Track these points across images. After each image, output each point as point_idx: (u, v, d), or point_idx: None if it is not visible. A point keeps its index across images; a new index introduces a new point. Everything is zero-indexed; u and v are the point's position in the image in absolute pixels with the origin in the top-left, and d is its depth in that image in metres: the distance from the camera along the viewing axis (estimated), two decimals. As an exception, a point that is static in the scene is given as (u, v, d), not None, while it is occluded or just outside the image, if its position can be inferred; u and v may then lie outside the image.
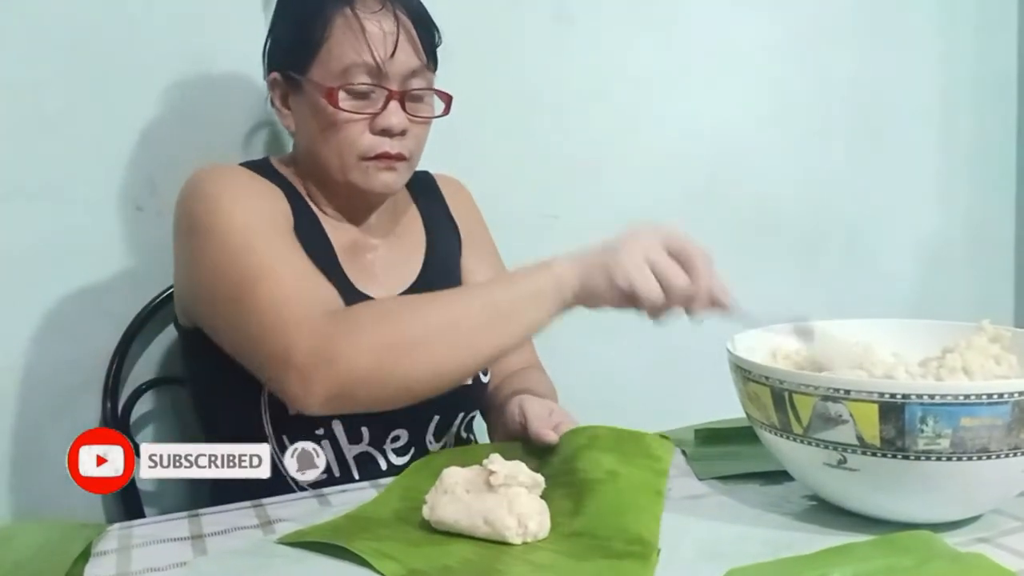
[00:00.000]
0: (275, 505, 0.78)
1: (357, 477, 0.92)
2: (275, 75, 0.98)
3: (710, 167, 1.58)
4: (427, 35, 0.96)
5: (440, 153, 1.13)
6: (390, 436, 0.95)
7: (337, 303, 0.84)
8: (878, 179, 1.74)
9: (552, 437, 0.82)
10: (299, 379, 0.77)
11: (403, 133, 0.95)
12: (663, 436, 0.76)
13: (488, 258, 1.14)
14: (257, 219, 0.89)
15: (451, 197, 1.14)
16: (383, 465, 0.94)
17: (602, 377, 1.45)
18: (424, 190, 1.12)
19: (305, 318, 0.79)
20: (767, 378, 0.68)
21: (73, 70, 1.15)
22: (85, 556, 0.68)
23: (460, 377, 0.82)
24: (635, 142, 1.53)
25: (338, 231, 1.01)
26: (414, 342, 0.78)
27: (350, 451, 0.93)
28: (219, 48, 1.20)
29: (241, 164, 1.03)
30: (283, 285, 0.82)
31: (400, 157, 0.95)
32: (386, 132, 0.94)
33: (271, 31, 1.00)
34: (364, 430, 0.92)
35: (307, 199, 1.01)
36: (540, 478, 0.71)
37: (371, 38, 0.91)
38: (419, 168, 1.13)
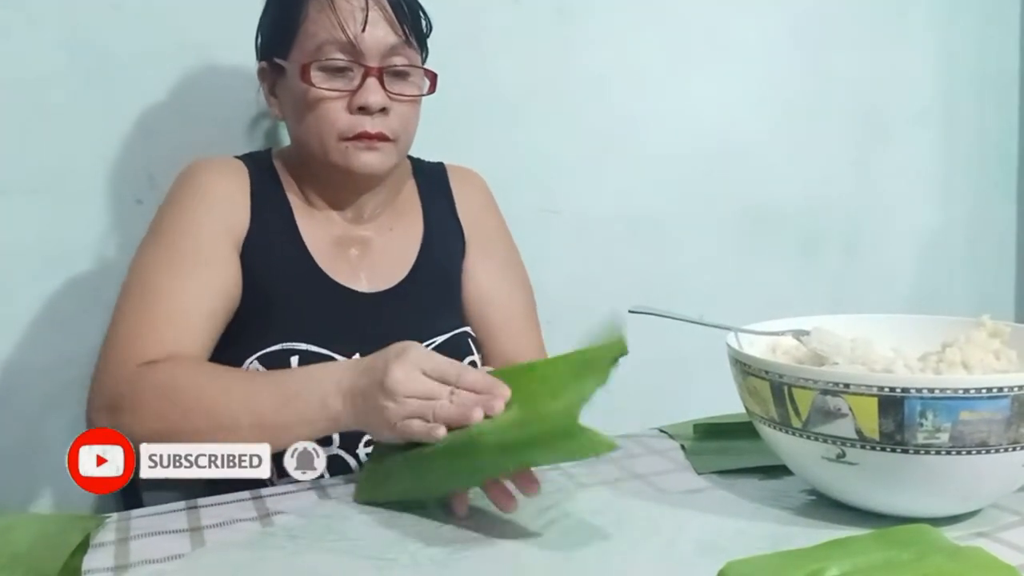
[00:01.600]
0: (274, 498, 0.78)
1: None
2: (263, 64, 1.00)
3: (711, 163, 1.58)
4: (406, 13, 0.95)
5: (440, 150, 1.13)
6: (363, 440, 0.94)
7: (179, 348, 0.86)
8: (879, 176, 1.74)
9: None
10: (91, 405, 0.87)
11: (384, 111, 0.94)
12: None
13: (496, 261, 1.11)
14: (188, 239, 0.93)
15: (460, 193, 1.11)
16: (355, 468, 0.93)
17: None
18: (432, 183, 1.10)
19: (122, 363, 0.85)
20: (766, 372, 0.68)
21: (72, 64, 1.15)
22: (83, 548, 0.68)
23: None
24: (636, 138, 1.53)
25: (321, 225, 1.00)
26: (179, 434, 0.79)
27: (321, 453, 0.91)
28: (218, 41, 1.20)
29: (241, 156, 1.03)
30: (142, 317, 0.88)
31: (381, 137, 0.94)
32: (364, 110, 0.93)
33: (259, 22, 1.01)
34: (334, 434, 0.90)
35: (291, 194, 1.01)
36: None
37: (342, 13, 0.92)
38: (433, 160, 1.12)
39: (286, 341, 0.93)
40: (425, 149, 1.09)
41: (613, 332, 0.70)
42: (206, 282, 0.92)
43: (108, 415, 0.84)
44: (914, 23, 1.74)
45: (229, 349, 0.94)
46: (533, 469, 0.71)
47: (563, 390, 0.69)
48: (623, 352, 0.68)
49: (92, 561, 0.66)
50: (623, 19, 1.49)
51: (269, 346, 0.93)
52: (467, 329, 1.05)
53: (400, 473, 0.75)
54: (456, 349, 1.01)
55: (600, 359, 0.68)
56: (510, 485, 0.72)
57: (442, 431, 0.70)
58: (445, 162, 1.14)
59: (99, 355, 0.90)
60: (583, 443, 0.63)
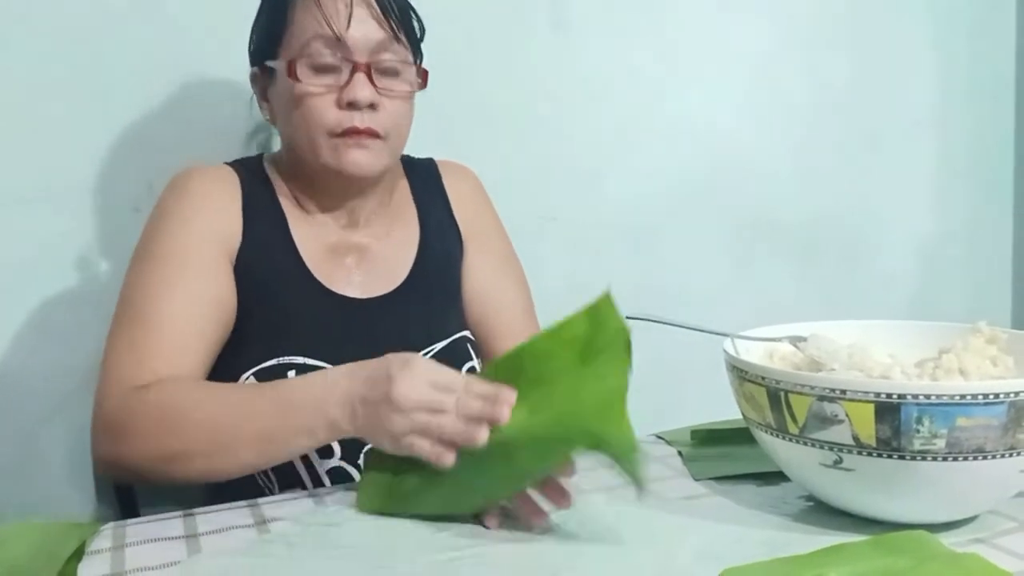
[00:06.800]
0: (270, 505, 0.78)
1: None
2: (255, 70, 1.00)
3: (707, 170, 1.58)
4: (393, 10, 0.94)
5: (437, 157, 1.13)
6: (363, 450, 0.93)
7: (174, 372, 0.86)
8: (875, 182, 1.74)
9: None
10: (94, 432, 0.87)
11: (373, 107, 0.93)
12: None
13: (494, 258, 1.11)
14: (179, 255, 0.92)
15: (454, 190, 1.10)
16: (358, 480, 0.92)
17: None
18: (424, 182, 1.09)
19: (119, 389, 0.85)
20: (763, 378, 0.68)
21: (70, 73, 1.15)
22: (79, 555, 0.67)
23: (230, 478, 0.82)
24: (633, 145, 1.53)
25: (316, 232, 1.00)
26: (181, 455, 0.80)
27: (322, 466, 0.91)
28: (215, 51, 1.20)
29: (232, 162, 1.03)
30: (136, 341, 0.88)
31: (371, 133, 0.93)
32: (353, 105, 0.92)
33: (251, 29, 1.01)
34: (335, 445, 0.90)
35: (284, 200, 1.00)
36: None
37: (327, 10, 0.92)
38: (423, 157, 1.12)
39: (283, 355, 0.92)
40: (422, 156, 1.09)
41: (604, 305, 0.69)
42: (199, 300, 0.91)
43: (108, 441, 0.85)
44: (910, 27, 1.74)
45: (225, 364, 0.93)
46: (564, 483, 0.71)
47: (576, 378, 0.70)
48: (622, 330, 0.68)
49: (88, 568, 0.66)
50: (620, 29, 1.49)
51: (265, 361, 0.92)
52: (466, 334, 1.04)
53: (423, 493, 0.73)
54: (455, 355, 1.00)
55: (602, 338, 0.69)
56: (541, 501, 0.71)
57: (450, 459, 0.70)
58: (435, 158, 1.13)
59: (99, 378, 0.89)
60: (622, 440, 0.66)
